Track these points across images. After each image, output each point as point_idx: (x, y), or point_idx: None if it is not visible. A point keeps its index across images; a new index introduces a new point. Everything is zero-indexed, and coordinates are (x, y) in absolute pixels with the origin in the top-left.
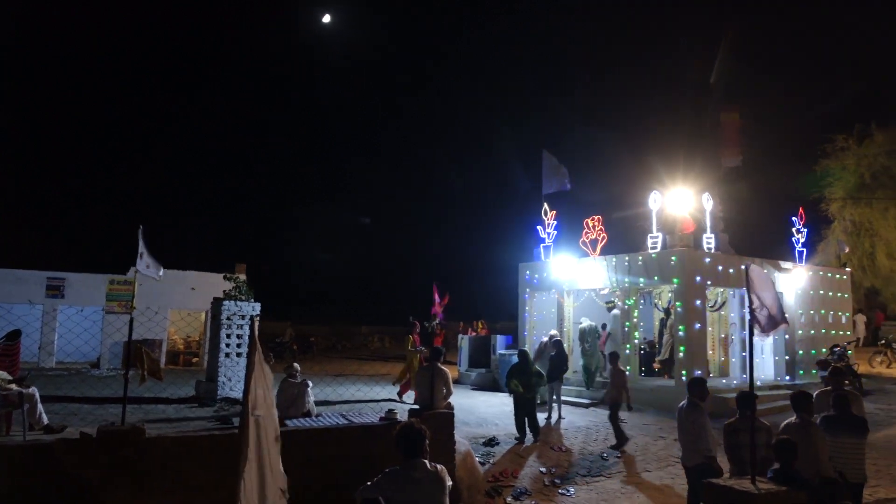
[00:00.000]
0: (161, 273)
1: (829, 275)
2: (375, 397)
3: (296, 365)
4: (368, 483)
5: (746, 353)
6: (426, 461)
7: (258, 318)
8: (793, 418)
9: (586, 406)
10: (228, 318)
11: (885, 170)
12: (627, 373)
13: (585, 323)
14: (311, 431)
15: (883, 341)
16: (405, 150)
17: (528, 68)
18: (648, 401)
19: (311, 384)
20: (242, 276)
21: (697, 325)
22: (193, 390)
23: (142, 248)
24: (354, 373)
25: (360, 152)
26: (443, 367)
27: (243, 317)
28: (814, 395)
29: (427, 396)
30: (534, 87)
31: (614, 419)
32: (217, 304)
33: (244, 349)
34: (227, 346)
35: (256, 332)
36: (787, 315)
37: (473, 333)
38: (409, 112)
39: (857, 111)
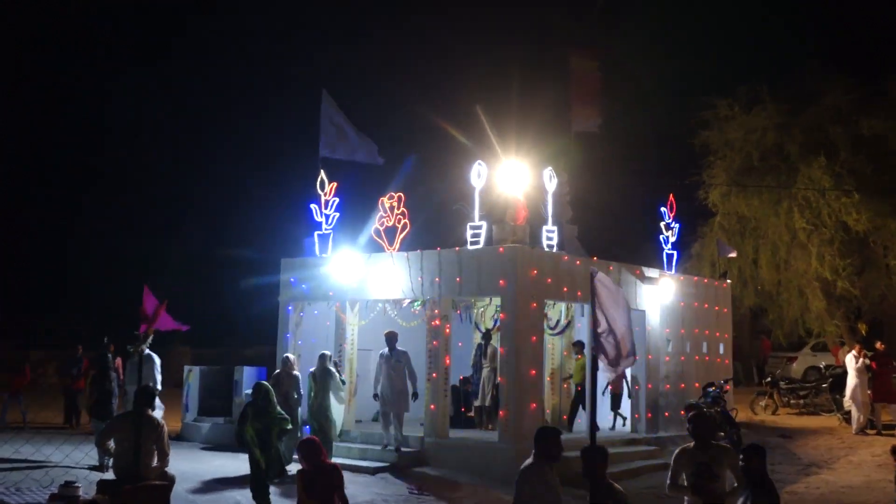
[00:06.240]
0: None
1: (707, 288)
2: (47, 460)
3: None
4: None
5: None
6: None
7: None
8: None
9: (373, 472)
10: None
11: (777, 149)
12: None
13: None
14: None
15: (769, 379)
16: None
17: None
18: (461, 463)
19: None
20: None
21: (532, 356)
22: None
23: None
24: (14, 422)
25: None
26: (155, 417)
27: None
28: (673, 455)
29: (130, 461)
30: (317, 21)
31: None
32: None
33: None
34: None
35: None
36: (639, 345)
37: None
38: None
39: (750, 65)
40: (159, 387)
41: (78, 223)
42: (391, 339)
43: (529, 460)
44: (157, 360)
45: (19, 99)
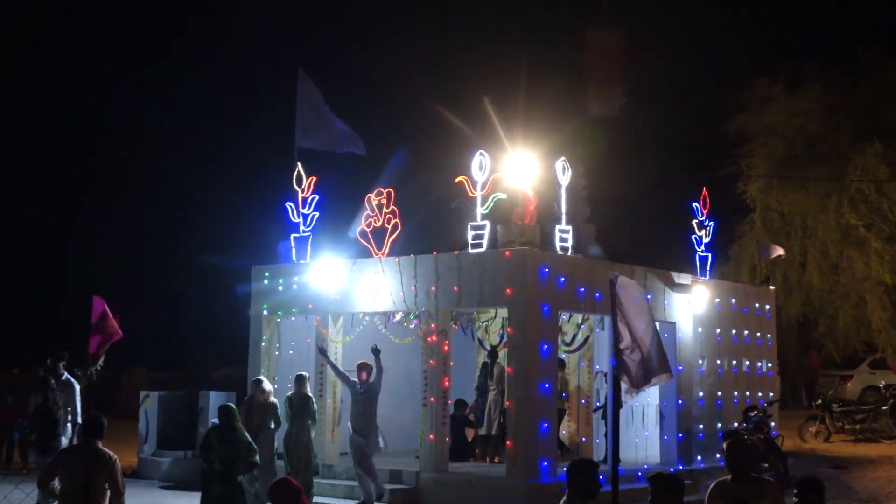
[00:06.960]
0: None
1: (747, 296)
2: None
3: None
4: None
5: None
6: None
7: None
8: None
9: None
10: None
11: (825, 135)
12: None
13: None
14: None
15: (820, 401)
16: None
17: None
18: (462, 501)
19: None
20: None
21: (544, 378)
22: None
23: None
24: None
25: None
26: (107, 451)
27: None
28: (708, 490)
29: (79, 502)
30: (311, 13)
31: None
32: None
33: None
34: None
35: None
36: (670, 362)
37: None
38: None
39: (792, 40)
40: (79, 417)
41: (78, 223)
42: (364, 370)
43: (564, 500)
44: (77, 387)
45: (19, 99)
